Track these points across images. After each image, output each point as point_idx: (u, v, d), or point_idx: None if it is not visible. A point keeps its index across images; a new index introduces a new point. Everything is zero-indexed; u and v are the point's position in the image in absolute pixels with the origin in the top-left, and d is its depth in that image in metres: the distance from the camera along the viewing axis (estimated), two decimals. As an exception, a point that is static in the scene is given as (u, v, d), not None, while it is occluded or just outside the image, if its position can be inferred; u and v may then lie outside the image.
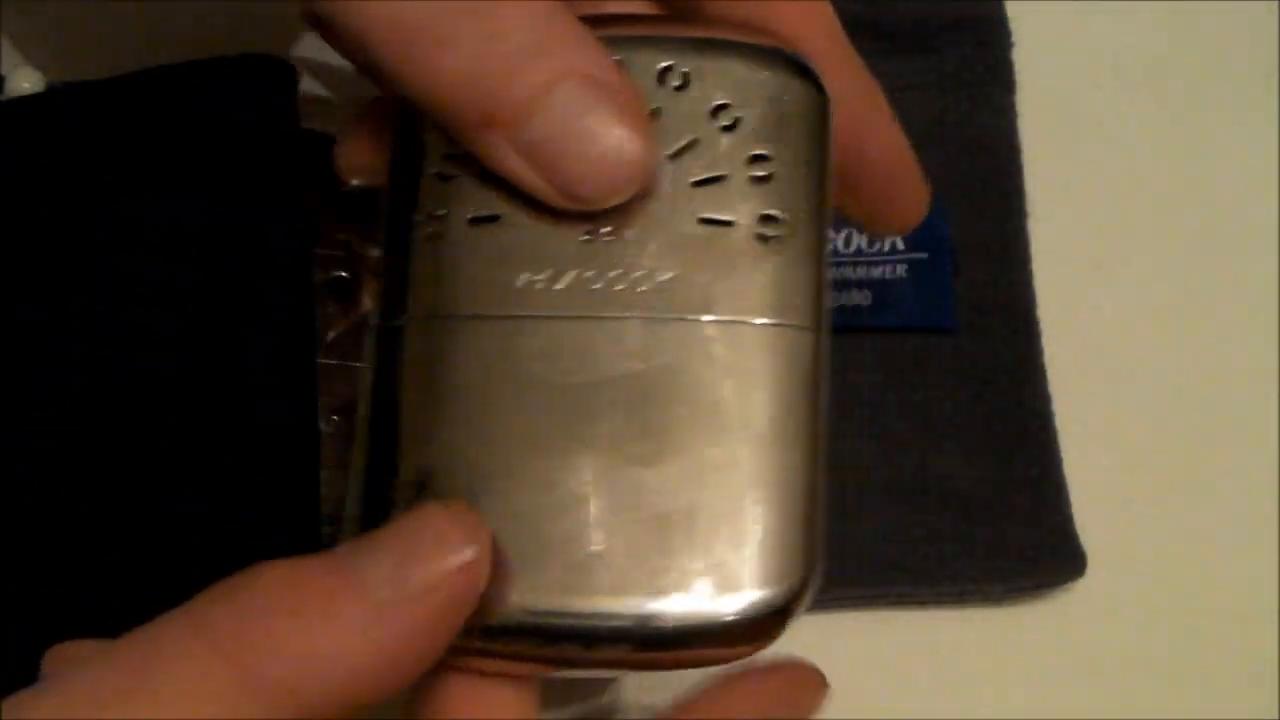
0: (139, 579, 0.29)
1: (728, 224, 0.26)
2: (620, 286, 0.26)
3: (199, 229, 0.31)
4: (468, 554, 0.23)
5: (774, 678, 0.27)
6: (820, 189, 0.27)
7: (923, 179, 0.29)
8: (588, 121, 0.25)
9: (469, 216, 0.26)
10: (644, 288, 0.26)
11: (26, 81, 0.34)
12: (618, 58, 0.26)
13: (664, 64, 0.27)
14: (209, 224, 0.31)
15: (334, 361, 0.32)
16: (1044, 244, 0.37)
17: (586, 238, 0.26)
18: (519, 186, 0.26)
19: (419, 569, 0.23)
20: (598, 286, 0.26)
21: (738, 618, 0.25)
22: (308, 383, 0.31)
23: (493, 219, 0.26)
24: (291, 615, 0.22)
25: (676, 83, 0.27)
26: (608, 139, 0.25)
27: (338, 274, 0.33)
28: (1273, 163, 0.38)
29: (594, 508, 0.25)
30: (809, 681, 0.27)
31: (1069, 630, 0.34)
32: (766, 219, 0.26)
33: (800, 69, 0.27)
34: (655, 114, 0.26)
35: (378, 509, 0.25)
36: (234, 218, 0.32)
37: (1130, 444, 0.36)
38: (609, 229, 0.26)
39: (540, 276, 0.26)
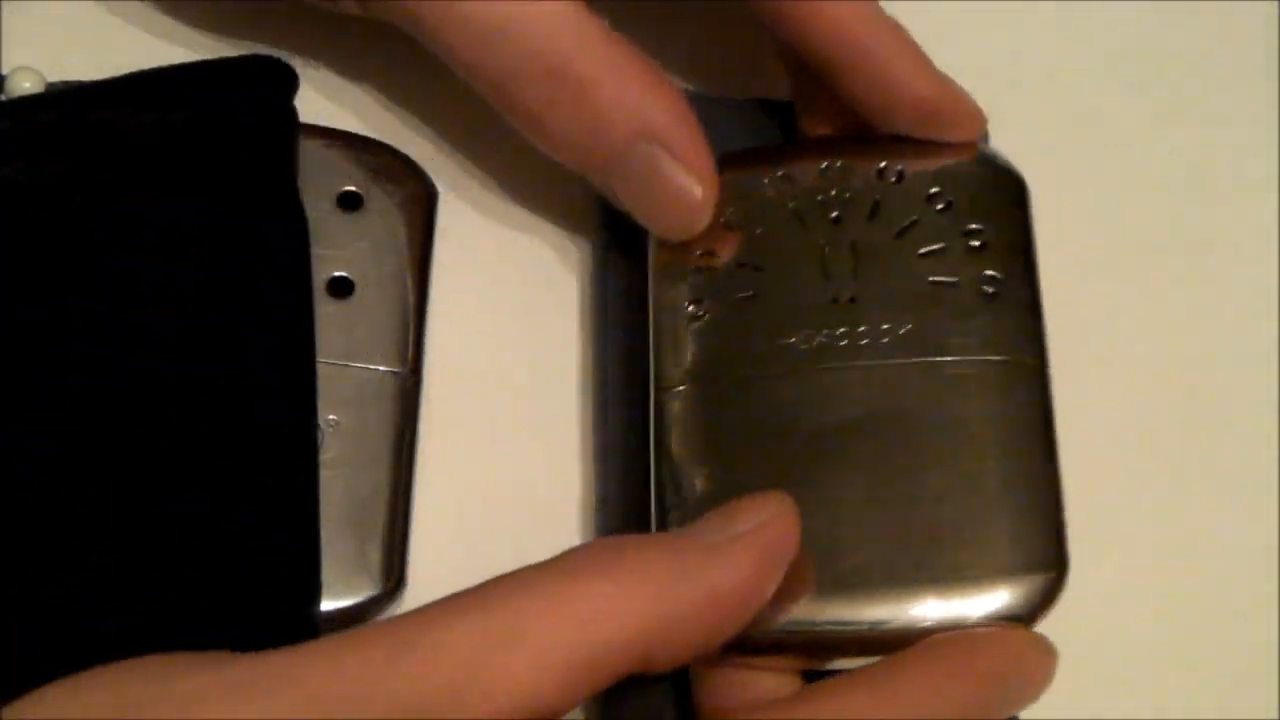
0: (139, 579, 0.29)
1: (953, 284, 0.31)
2: (865, 341, 0.31)
3: (199, 229, 0.31)
4: (780, 508, 0.27)
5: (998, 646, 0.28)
6: (1026, 250, 0.32)
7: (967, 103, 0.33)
8: (657, 176, 0.31)
9: (729, 298, 0.32)
10: (886, 339, 0.31)
11: (27, 81, 0.34)
12: (840, 162, 0.33)
13: (882, 164, 0.33)
14: (209, 224, 0.31)
15: (334, 361, 0.32)
16: (1044, 244, 0.37)
17: (833, 304, 0.31)
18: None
19: (740, 519, 0.27)
20: (845, 343, 0.31)
21: (986, 620, 0.28)
22: (308, 383, 0.31)
23: (750, 298, 0.32)
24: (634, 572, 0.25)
25: (894, 178, 0.32)
26: (674, 189, 0.31)
27: (338, 274, 0.33)
28: (1273, 163, 0.38)
29: (856, 526, 0.29)
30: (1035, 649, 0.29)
31: (1069, 630, 0.34)
32: (986, 278, 0.32)
33: (994, 158, 0.33)
34: (877, 204, 0.32)
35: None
36: (234, 218, 0.32)
37: (1129, 444, 0.36)
38: (850, 295, 0.31)
39: (795, 338, 0.31)
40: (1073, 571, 0.34)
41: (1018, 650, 0.28)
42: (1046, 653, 0.28)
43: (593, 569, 0.25)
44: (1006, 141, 0.37)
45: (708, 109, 0.36)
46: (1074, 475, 0.35)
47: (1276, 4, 0.40)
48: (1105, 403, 0.36)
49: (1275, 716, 0.32)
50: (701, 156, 0.31)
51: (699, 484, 0.30)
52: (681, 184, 0.31)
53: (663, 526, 0.30)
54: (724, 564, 0.26)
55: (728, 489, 0.29)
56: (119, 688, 0.24)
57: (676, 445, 0.31)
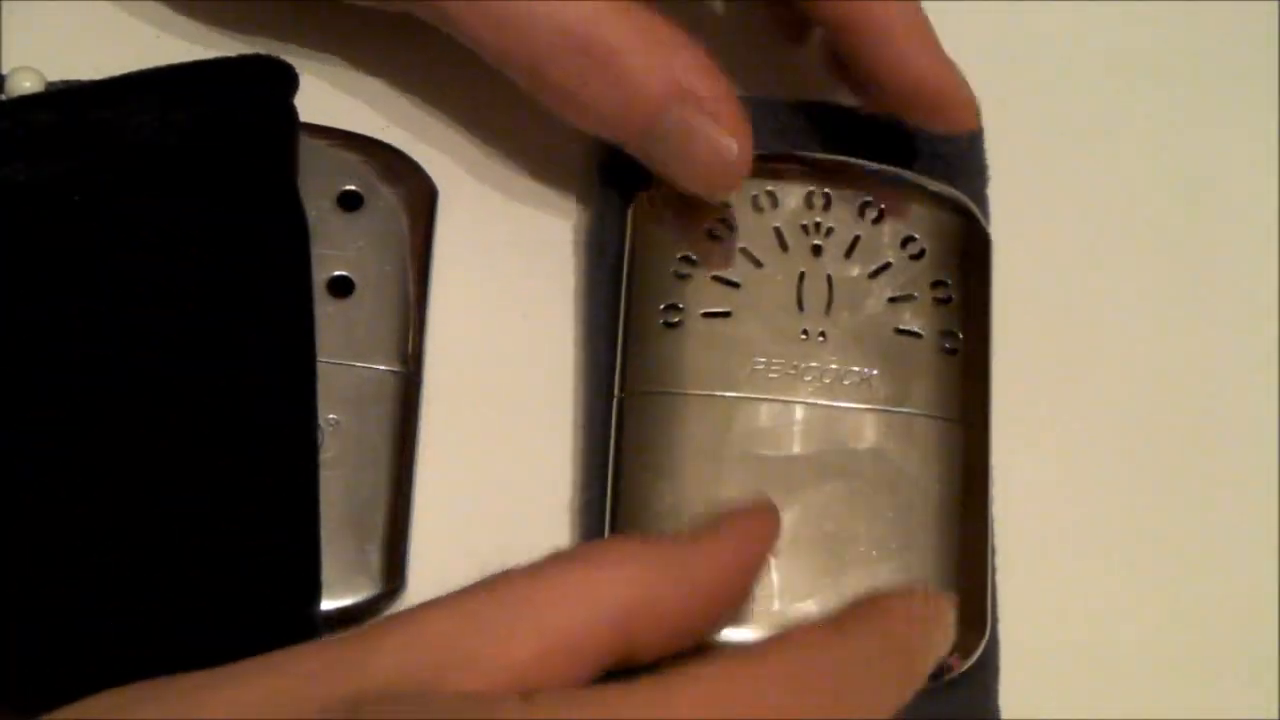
0: (139, 579, 0.29)
1: (917, 335, 0.33)
2: (828, 380, 0.32)
3: (199, 229, 0.31)
4: (760, 506, 0.29)
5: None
6: (985, 312, 0.34)
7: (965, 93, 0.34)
8: (694, 137, 0.31)
9: (703, 311, 0.33)
10: (848, 381, 0.32)
11: (26, 81, 0.34)
12: (826, 190, 0.34)
13: (865, 199, 0.34)
14: (209, 224, 0.31)
15: (334, 361, 0.32)
16: (1044, 244, 0.37)
17: (803, 337, 0.33)
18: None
19: (723, 516, 0.28)
20: (810, 378, 0.32)
21: None
22: (308, 383, 0.31)
23: (724, 314, 0.33)
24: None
25: (874, 216, 0.34)
26: (710, 148, 0.31)
27: (338, 274, 0.33)
28: (1273, 163, 0.38)
29: (790, 563, 0.31)
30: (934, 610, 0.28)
31: (1070, 630, 0.34)
32: (947, 334, 0.33)
33: (969, 213, 0.34)
34: (856, 240, 0.33)
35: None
36: (234, 218, 0.32)
37: (1128, 444, 0.36)
38: (821, 330, 0.33)
39: (763, 364, 0.32)
40: (1074, 573, 0.34)
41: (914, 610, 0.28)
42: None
43: (572, 560, 0.26)
44: (1006, 141, 0.37)
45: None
46: (1074, 474, 0.35)
47: (1277, 4, 0.40)
48: (1105, 402, 0.36)
49: (1275, 717, 0.32)
50: (734, 111, 0.32)
51: (652, 493, 0.31)
52: (718, 141, 0.31)
53: (614, 529, 0.31)
54: (703, 553, 0.27)
55: (679, 502, 0.31)
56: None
57: (632, 453, 0.32)
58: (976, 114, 0.34)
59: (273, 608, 0.29)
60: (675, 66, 0.31)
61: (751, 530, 0.28)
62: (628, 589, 0.25)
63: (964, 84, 0.33)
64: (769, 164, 0.34)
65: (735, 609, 0.28)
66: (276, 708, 0.23)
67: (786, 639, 0.25)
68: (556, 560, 0.26)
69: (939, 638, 0.28)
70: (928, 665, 0.27)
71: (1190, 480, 0.35)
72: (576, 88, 0.32)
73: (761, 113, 0.35)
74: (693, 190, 0.33)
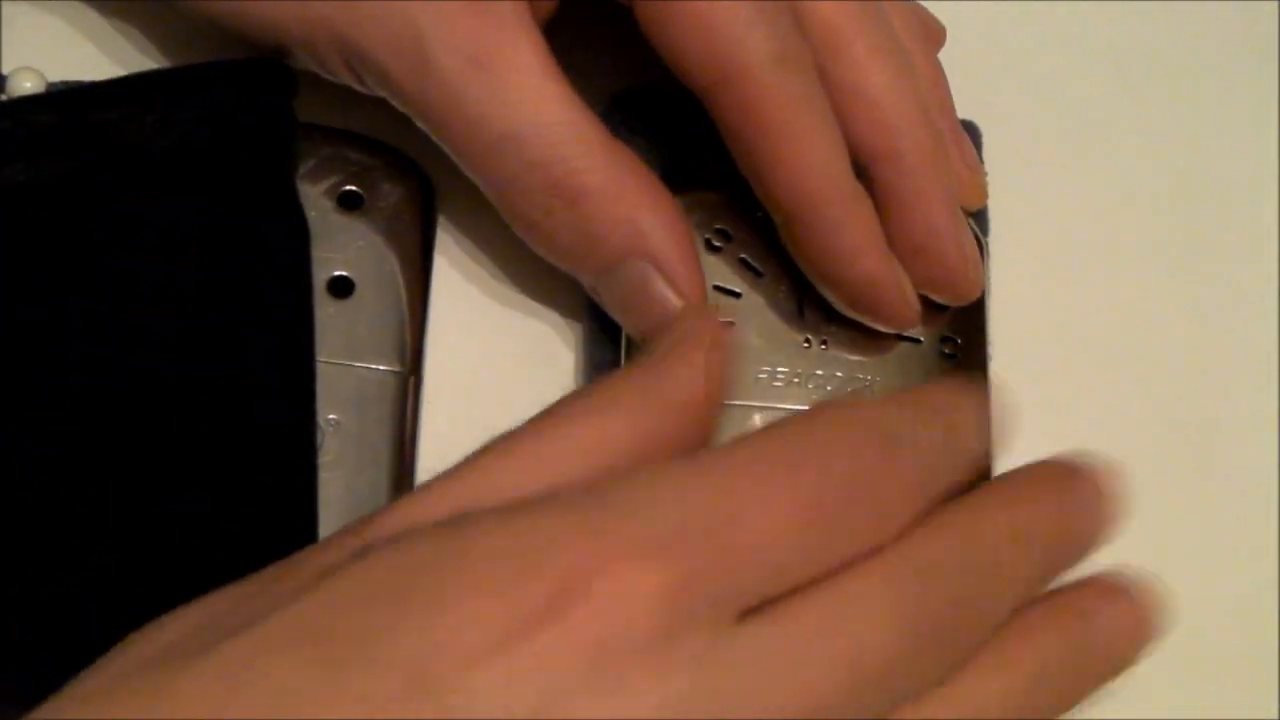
0: (139, 579, 0.29)
1: (917, 341, 0.33)
2: (830, 387, 0.33)
3: (199, 229, 0.31)
4: (699, 309, 0.30)
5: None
6: (983, 316, 0.34)
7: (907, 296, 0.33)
8: (645, 292, 0.31)
9: None
10: (851, 388, 0.33)
11: (27, 81, 0.34)
12: None
13: None
14: (209, 224, 0.31)
15: (334, 361, 0.32)
16: (1043, 244, 0.37)
17: (805, 345, 0.33)
18: None
19: (673, 332, 0.27)
20: (812, 386, 0.33)
21: None
22: (307, 383, 0.31)
23: (726, 324, 0.33)
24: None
25: None
26: (659, 307, 0.31)
27: (338, 274, 0.33)
28: (1273, 163, 0.38)
29: None
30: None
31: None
32: (946, 339, 0.33)
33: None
34: None
35: None
36: (234, 218, 0.32)
37: (1127, 444, 0.36)
38: (823, 339, 0.33)
39: (764, 374, 0.33)
40: (1073, 573, 0.34)
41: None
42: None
43: (568, 417, 0.26)
44: (1005, 142, 0.37)
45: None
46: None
47: (1277, 4, 0.40)
48: (1104, 404, 0.36)
49: (1275, 717, 0.32)
50: (691, 277, 0.31)
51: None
52: (668, 302, 0.31)
53: None
54: (675, 372, 0.27)
55: None
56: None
57: None
58: (916, 319, 0.33)
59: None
60: (641, 220, 0.31)
61: (706, 334, 0.27)
62: (628, 436, 0.26)
63: (907, 288, 0.33)
64: None
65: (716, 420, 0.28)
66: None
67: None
68: (552, 422, 0.26)
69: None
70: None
71: (1190, 481, 0.35)
72: (540, 218, 0.31)
73: None
74: (632, 334, 0.33)
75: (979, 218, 0.36)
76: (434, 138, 0.32)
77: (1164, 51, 0.40)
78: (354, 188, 0.34)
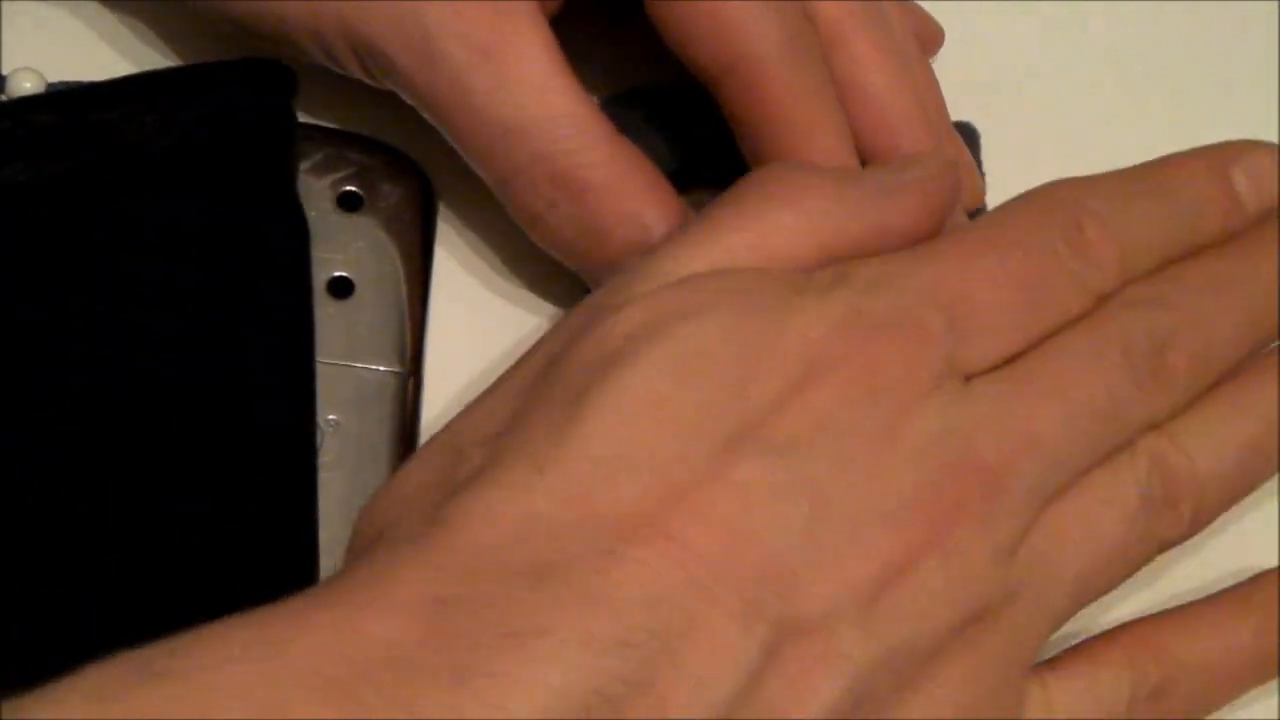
0: (139, 579, 0.29)
1: None
2: None
3: (199, 229, 0.31)
4: (943, 163, 0.30)
5: None
6: None
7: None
8: None
9: None
10: None
11: (27, 81, 0.34)
12: None
13: None
14: (209, 224, 0.31)
15: (334, 361, 0.32)
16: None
17: None
18: None
19: (909, 170, 0.30)
20: None
21: None
22: (307, 383, 0.31)
23: None
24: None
25: None
26: None
27: (338, 274, 0.33)
28: (1273, 162, 0.38)
29: None
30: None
31: (1070, 629, 0.34)
32: None
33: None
34: None
35: None
36: (234, 218, 0.32)
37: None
38: None
39: None
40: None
41: None
42: None
43: (780, 197, 0.28)
44: (1005, 142, 0.37)
45: (715, 106, 0.36)
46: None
47: (1277, 4, 0.40)
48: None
49: (1275, 717, 0.32)
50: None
51: None
52: None
53: None
54: (894, 206, 0.28)
55: None
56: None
57: None
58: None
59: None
60: (645, 216, 0.31)
61: (937, 188, 0.29)
62: (828, 239, 0.28)
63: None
64: None
65: None
66: None
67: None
68: (765, 196, 0.28)
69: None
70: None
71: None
72: (543, 211, 0.32)
73: None
74: None
75: (979, 212, 0.36)
76: (440, 129, 0.32)
77: (1164, 51, 0.40)
78: (354, 188, 0.34)
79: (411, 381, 0.33)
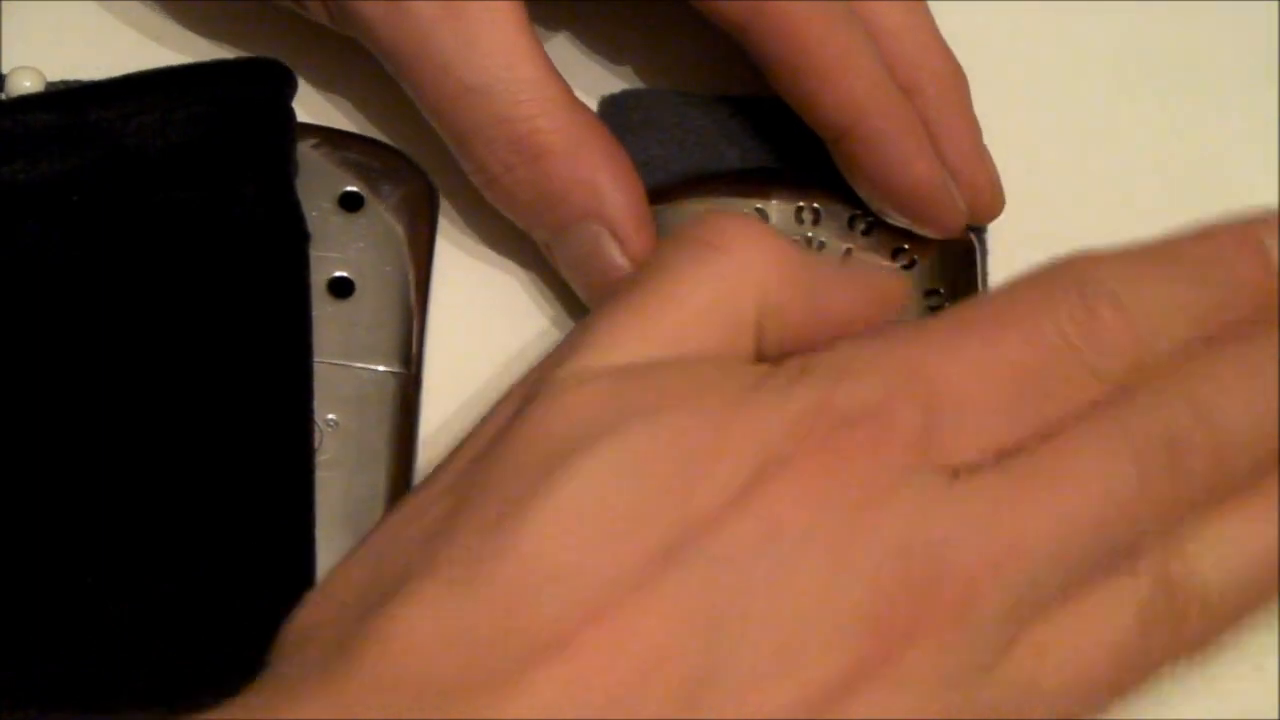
0: (139, 579, 0.29)
1: None
2: None
3: (197, 228, 0.31)
4: (898, 278, 0.32)
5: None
6: None
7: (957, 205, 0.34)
8: (597, 256, 0.32)
9: None
10: None
11: (26, 80, 0.34)
12: (815, 205, 0.34)
13: (854, 212, 0.34)
14: (208, 223, 0.31)
15: (334, 361, 0.32)
16: (1042, 244, 0.37)
17: None
18: None
19: (864, 268, 0.32)
20: None
21: None
22: (305, 382, 0.31)
23: None
24: None
25: (863, 228, 0.34)
26: (610, 271, 0.32)
27: (338, 274, 0.33)
28: (1273, 163, 0.38)
29: None
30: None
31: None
32: None
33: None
34: (847, 253, 0.34)
35: None
36: (233, 217, 0.32)
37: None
38: None
39: None
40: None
41: None
42: None
43: (722, 237, 0.27)
44: (1005, 142, 0.37)
45: (711, 107, 0.36)
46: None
47: (1277, 4, 0.40)
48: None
49: (1275, 717, 0.32)
50: (645, 243, 0.32)
51: None
52: (617, 265, 0.32)
53: None
54: (832, 283, 0.28)
55: None
56: None
57: None
58: (964, 218, 0.34)
59: (268, 609, 0.29)
60: (600, 183, 0.31)
61: (879, 286, 0.28)
62: (764, 274, 0.26)
63: (954, 191, 0.34)
64: (758, 181, 0.34)
65: None
66: None
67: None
68: (701, 235, 0.27)
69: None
70: None
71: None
72: (500, 173, 0.32)
73: (746, 111, 0.35)
74: (581, 297, 0.33)
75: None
76: (400, 81, 0.32)
77: (1164, 51, 0.39)
78: (354, 188, 0.34)
79: (411, 381, 0.33)
